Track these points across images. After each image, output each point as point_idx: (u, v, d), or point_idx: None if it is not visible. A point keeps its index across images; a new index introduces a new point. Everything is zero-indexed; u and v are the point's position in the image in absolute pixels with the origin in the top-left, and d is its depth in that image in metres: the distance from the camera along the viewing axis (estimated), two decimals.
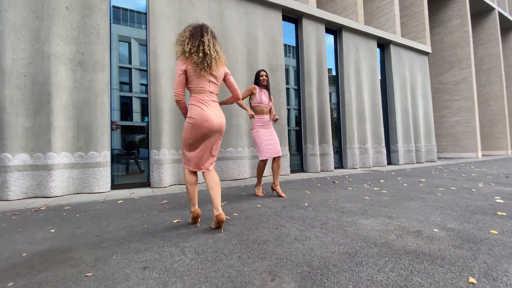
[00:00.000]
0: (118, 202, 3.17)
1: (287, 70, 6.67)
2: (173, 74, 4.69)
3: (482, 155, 11.93)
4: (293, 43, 6.65)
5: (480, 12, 13.26)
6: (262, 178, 3.31)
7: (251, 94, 3.25)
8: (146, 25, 4.69)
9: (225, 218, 1.86)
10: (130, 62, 5.08)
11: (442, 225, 1.88)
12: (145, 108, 4.73)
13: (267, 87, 3.37)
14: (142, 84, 5.05)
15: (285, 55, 6.52)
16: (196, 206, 2.03)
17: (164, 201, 3.09)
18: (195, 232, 1.87)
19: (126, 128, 4.92)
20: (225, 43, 5.23)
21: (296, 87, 6.67)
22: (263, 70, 3.37)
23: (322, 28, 6.73)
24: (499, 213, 2.17)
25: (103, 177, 4.03)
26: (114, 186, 4.29)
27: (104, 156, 4.05)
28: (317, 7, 8.56)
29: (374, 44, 7.80)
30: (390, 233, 1.74)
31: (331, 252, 1.43)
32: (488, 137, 13.45)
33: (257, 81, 3.31)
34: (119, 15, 4.73)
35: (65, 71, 3.89)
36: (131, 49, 5.04)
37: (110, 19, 4.42)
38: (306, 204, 2.73)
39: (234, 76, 5.22)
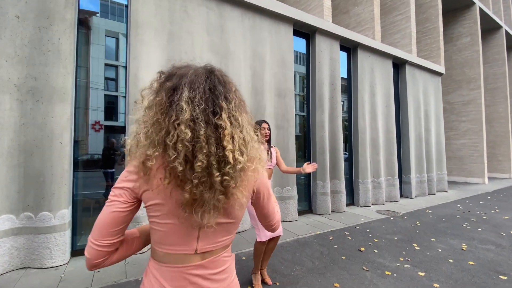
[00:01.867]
0: None
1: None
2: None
3: (488, 179, 11.43)
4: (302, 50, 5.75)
5: (487, 29, 12.80)
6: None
7: None
8: (126, 39, 3.67)
9: None
10: (117, 59, 4.21)
11: None
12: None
13: (268, 142, 2.64)
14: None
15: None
16: None
17: None
18: None
19: (110, 129, 4.15)
20: (226, 62, 4.28)
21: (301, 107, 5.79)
22: (265, 122, 2.61)
23: (336, 45, 5.87)
24: None
25: (59, 245, 2.99)
26: (75, 252, 3.26)
27: (61, 217, 3.01)
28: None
29: (389, 64, 7.02)
30: None
31: None
32: (490, 159, 13.02)
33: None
34: (107, 8, 4.04)
35: (10, 102, 2.84)
36: (118, 45, 4.14)
37: (77, 31, 3.38)
38: None
39: None
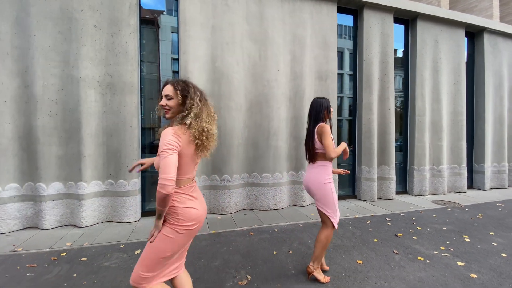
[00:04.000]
0: (136, 252, 2.86)
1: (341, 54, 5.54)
2: (205, 91, 4.16)
3: None
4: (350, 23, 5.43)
5: None
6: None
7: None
8: (177, 36, 4.21)
9: None
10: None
11: None
12: None
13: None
14: None
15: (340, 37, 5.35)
16: None
17: None
18: None
19: None
20: (265, 49, 4.47)
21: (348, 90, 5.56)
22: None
23: (390, 19, 5.36)
24: None
25: (132, 206, 3.83)
26: (144, 213, 4.10)
27: (133, 184, 3.83)
28: None
29: (461, 34, 6.02)
30: None
31: None
32: None
33: (321, 116, 2.30)
34: (171, 5, 4.48)
35: (95, 95, 3.69)
36: None
37: (140, 34, 4.06)
38: None
39: (273, 89, 4.46)
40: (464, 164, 5.99)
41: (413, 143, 5.69)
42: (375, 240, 3.21)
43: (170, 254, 1.38)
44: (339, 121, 5.45)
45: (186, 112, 1.38)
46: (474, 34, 6.43)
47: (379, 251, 2.92)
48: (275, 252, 2.87)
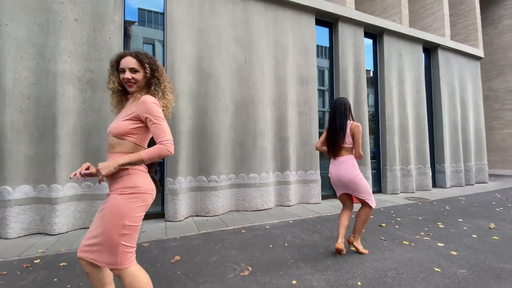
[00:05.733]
0: None
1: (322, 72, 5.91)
2: (192, 91, 4.15)
3: None
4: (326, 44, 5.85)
5: None
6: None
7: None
8: (163, 36, 4.18)
9: None
10: None
11: None
12: None
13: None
14: None
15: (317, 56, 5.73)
16: None
17: (176, 258, 2.52)
18: None
19: None
20: (250, 54, 4.61)
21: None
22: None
23: (360, 32, 5.89)
24: None
25: None
26: None
27: None
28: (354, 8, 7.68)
29: (419, 49, 6.79)
30: None
31: None
32: None
33: (347, 114, 2.59)
34: (144, 16, 4.41)
35: (73, 91, 3.46)
36: (155, 51, 4.63)
37: (124, 31, 3.95)
38: (359, 284, 2.03)
39: (259, 92, 4.58)
40: (428, 165, 6.59)
41: (384, 145, 6.15)
42: (363, 230, 3.36)
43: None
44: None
45: (157, 84, 1.41)
46: (430, 50, 7.29)
47: (368, 239, 3.06)
48: (271, 245, 2.86)
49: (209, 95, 4.22)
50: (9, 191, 3.10)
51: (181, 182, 3.91)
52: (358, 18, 5.76)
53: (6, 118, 3.12)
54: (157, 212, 4.03)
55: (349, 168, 2.51)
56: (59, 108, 3.33)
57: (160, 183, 4.14)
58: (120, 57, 1.38)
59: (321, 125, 5.82)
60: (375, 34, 6.41)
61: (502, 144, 10.39)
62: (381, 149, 6.25)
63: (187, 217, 4.01)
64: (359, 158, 2.54)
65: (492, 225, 3.53)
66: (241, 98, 4.50)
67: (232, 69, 4.47)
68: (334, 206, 4.83)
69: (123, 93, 1.47)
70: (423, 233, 3.24)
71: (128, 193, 1.27)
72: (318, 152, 5.15)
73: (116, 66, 1.40)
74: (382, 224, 3.62)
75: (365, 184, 2.54)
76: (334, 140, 2.56)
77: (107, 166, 1.23)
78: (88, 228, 3.43)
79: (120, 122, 1.34)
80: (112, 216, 1.24)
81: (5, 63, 3.15)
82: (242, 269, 2.31)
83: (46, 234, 3.25)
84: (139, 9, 4.35)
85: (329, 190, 5.65)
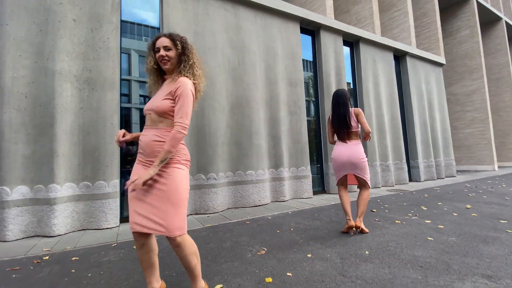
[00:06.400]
0: (133, 247, 2.66)
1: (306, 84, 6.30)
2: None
3: (498, 167, 11.54)
4: (309, 57, 6.29)
5: (487, 22, 13.18)
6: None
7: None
8: None
9: None
10: (129, 74, 4.61)
11: None
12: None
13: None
14: (141, 96, 4.59)
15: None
16: None
17: None
18: None
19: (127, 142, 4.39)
20: (243, 57, 4.84)
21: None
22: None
23: (340, 40, 6.40)
24: None
25: (112, 210, 3.52)
26: (123, 218, 3.78)
27: (113, 185, 3.55)
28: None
29: (390, 56, 7.49)
30: None
31: None
32: (500, 148, 13.12)
33: (348, 102, 2.93)
34: (121, 27, 4.29)
35: (71, 90, 3.44)
36: (130, 60, 4.66)
37: (121, 32, 4.02)
38: (367, 253, 2.25)
39: (253, 92, 4.81)
40: (404, 160, 7.17)
41: (365, 143, 6.61)
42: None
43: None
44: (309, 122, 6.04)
45: (187, 60, 1.48)
46: (399, 57, 8.05)
47: (364, 222, 3.30)
48: (278, 231, 3.02)
49: (207, 96, 4.35)
50: (7, 191, 2.98)
51: None
52: (337, 27, 6.27)
53: (4, 117, 3.03)
54: None
55: (360, 151, 2.85)
56: (57, 106, 3.28)
57: None
58: (156, 39, 1.51)
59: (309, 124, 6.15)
60: (352, 42, 6.99)
61: (465, 142, 11.50)
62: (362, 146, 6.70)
63: (187, 215, 4.04)
64: (368, 132, 2.81)
65: (468, 206, 3.98)
66: (236, 99, 4.69)
67: (227, 70, 4.67)
68: (325, 199, 5.11)
69: (158, 74, 1.59)
70: (410, 215, 3.59)
71: (184, 162, 1.46)
72: (308, 149, 5.44)
73: (152, 48, 1.53)
74: (373, 210, 3.93)
75: (368, 167, 2.97)
76: (343, 126, 2.86)
77: (147, 173, 1.32)
78: (88, 229, 3.37)
79: (161, 100, 1.46)
80: (180, 183, 1.39)
81: (5, 62, 3.08)
82: (257, 250, 2.44)
83: (45, 236, 3.13)
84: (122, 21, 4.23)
85: (318, 187, 5.94)
